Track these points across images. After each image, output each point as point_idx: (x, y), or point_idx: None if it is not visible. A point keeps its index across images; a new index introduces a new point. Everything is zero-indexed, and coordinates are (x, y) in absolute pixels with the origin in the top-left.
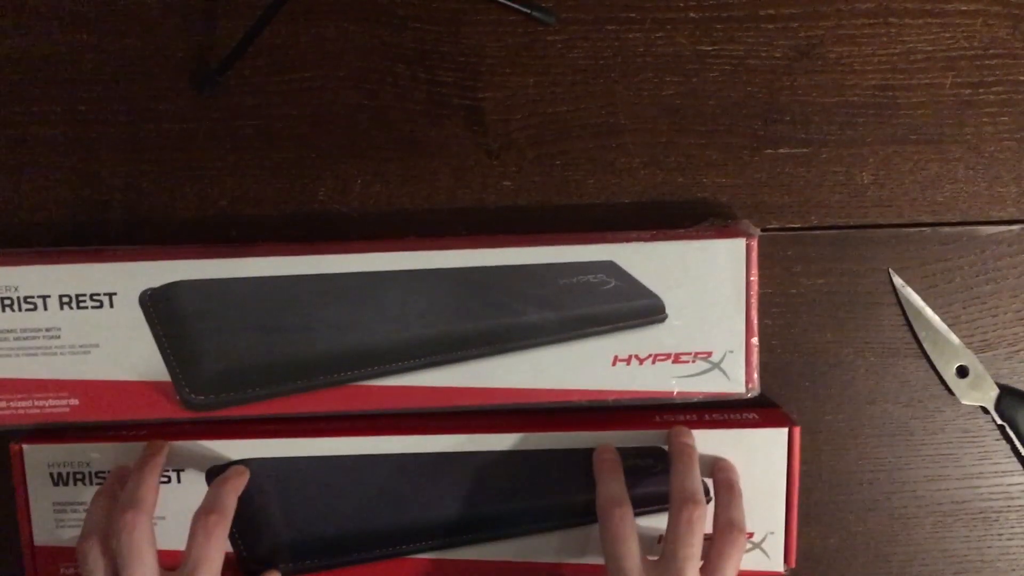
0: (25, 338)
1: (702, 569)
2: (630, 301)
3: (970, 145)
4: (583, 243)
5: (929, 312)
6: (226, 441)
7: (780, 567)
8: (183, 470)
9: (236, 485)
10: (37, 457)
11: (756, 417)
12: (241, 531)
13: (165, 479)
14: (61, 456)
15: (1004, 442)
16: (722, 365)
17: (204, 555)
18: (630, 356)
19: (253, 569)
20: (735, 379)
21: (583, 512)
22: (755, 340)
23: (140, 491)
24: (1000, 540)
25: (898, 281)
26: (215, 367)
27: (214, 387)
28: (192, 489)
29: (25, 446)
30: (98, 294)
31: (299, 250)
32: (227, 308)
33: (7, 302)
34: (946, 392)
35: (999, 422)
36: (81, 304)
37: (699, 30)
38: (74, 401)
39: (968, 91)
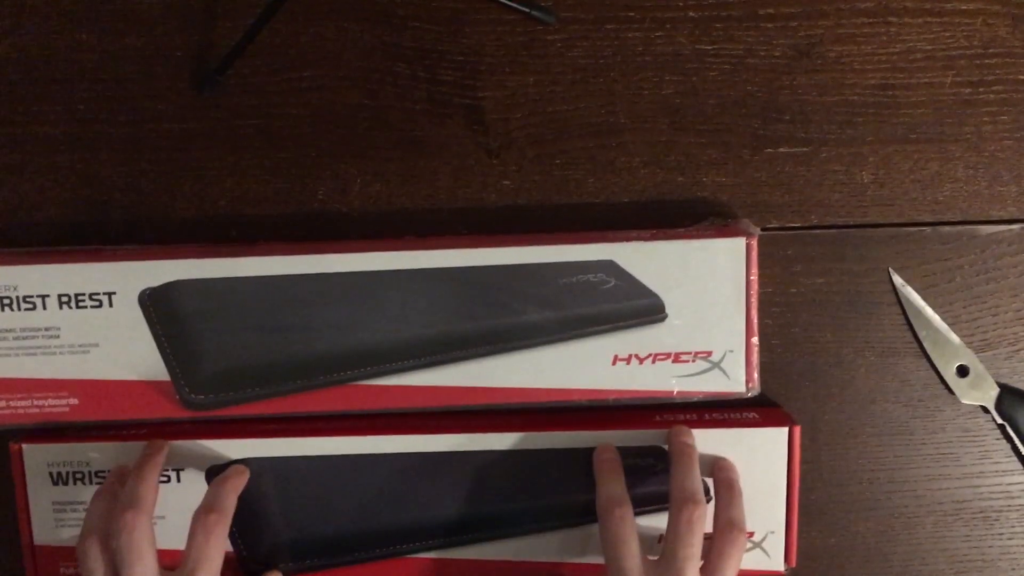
0: (24, 337)
1: (702, 569)
2: (630, 300)
3: (970, 144)
4: (583, 242)
5: (929, 311)
6: (226, 440)
7: (780, 566)
8: (183, 469)
9: (236, 484)
10: (37, 457)
11: (756, 416)
12: (241, 530)
13: (165, 478)
14: (61, 455)
15: (1004, 441)
16: (722, 364)
17: (204, 554)
18: (630, 355)
19: (253, 568)
20: (735, 378)
21: (583, 512)
22: (755, 339)
23: (140, 490)
24: (1000, 540)
25: (898, 280)
26: (214, 366)
27: (213, 386)
28: (192, 488)
29: (25, 445)
30: (97, 293)
31: (299, 250)
32: (227, 308)
33: (6, 301)
34: (946, 391)
35: (999, 421)
36: (80, 303)
37: (699, 29)
38: (73, 400)
39: (968, 90)
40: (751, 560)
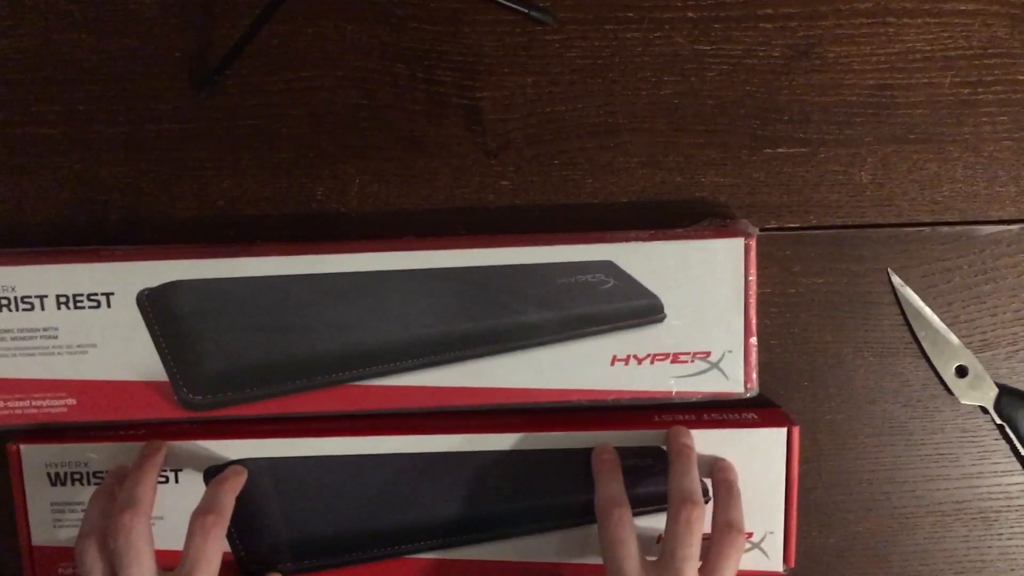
0: (23, 338)
1: (701, 569)
2: (629, 301)
3: (969, 145)
4: (582, 243)
5: (928, 312)
6: (224, 441)
7: (779, 567)
8: (181, 470)
9: (234, 485)
10: (35, 457)
11: (755, 417)
12: (239, 531)
13: (163, 479)
14: (59, 456)
15: (1003, 442)
16: (721, 365)
17: (202, 555)
18: (629, 356)
19: (251, 569)
20: (734, 379)
21: (582, 512)
22: (754, 340)
23: (138, 491)
24: (1000, 540)
25: (897, 281)
26: (213, 367)
27: (212, 387)
28: (190, 489)
29: (23, 446)
30: (96, 294)
31: (298, 250)
32: (225, 308)
33: (4, 302)
34: (945, 392)
35: (998, 422)
36: (79, 304)
37: (697, 30)
38: (72, 401)
39: (967, 91)
40: (750, 561)
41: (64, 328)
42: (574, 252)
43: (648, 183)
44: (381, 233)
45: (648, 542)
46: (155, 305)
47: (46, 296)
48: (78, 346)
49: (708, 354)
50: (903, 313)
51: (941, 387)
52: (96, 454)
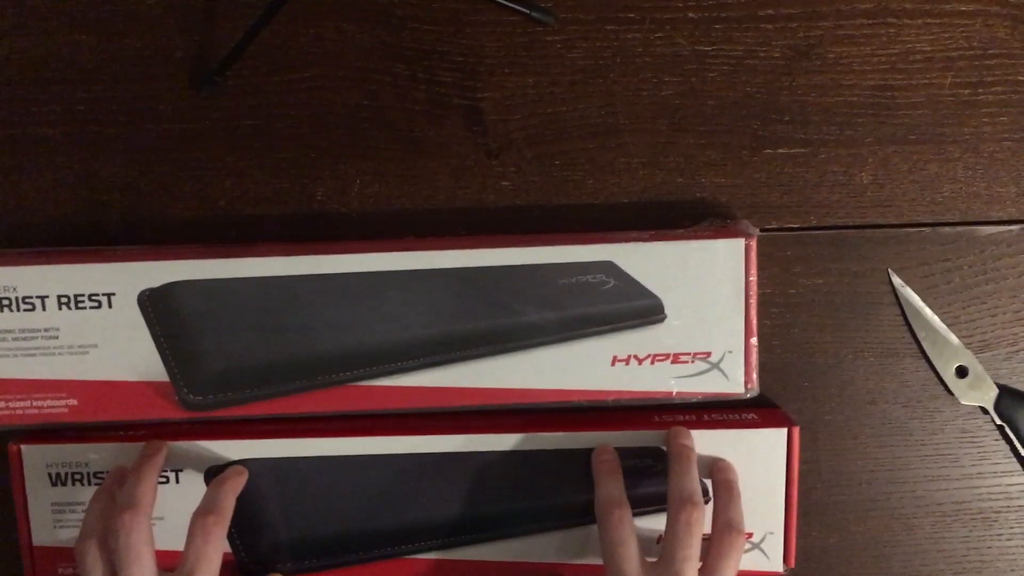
0: (23, 338)
1: (701, 570)
2: (629, 301)
3: (969, 145)
4: (582, 243)
5: (928, 312)
6: (225, 441)
7: (779, 567)
8: (181, 470)
9: (235, 485)
10: (35, 457)
11: (755, 417)
12: (240, 531)
13: (163, 479)
14: (59, 456)
15: (1003, 442)
16: (721, 365)
17: (202, 556)
18: (629, 356)
19: (252, 570)
20: (734, 379)
21: (582, 512)
22: (754, 340)
23: (138, 491)
24: (999, 540)
25: (897, 281)
26: (214, 367)
27: (213, 387)
28: (191, 489)
29: (23, 446)
30: (96, 294)
31: (298, 250)
32: (226, 308)
33: (5, 302)
34: (945, 392)
35: (998, 422)
36: (79, 304)
37: (698, 30)
38: (72, 401)
39: (967, 91)
40: (750, 561)
41: (65, 328)
42: (574, 252)
43: (649, 183)
44: (381, 233)
45: (648, 543)
46: (156, 305)
47: (47, 296)
48: (79, 346)
49: (708, 354)
50: (903, 313)
51: (941, 387)
52: (97, 454)
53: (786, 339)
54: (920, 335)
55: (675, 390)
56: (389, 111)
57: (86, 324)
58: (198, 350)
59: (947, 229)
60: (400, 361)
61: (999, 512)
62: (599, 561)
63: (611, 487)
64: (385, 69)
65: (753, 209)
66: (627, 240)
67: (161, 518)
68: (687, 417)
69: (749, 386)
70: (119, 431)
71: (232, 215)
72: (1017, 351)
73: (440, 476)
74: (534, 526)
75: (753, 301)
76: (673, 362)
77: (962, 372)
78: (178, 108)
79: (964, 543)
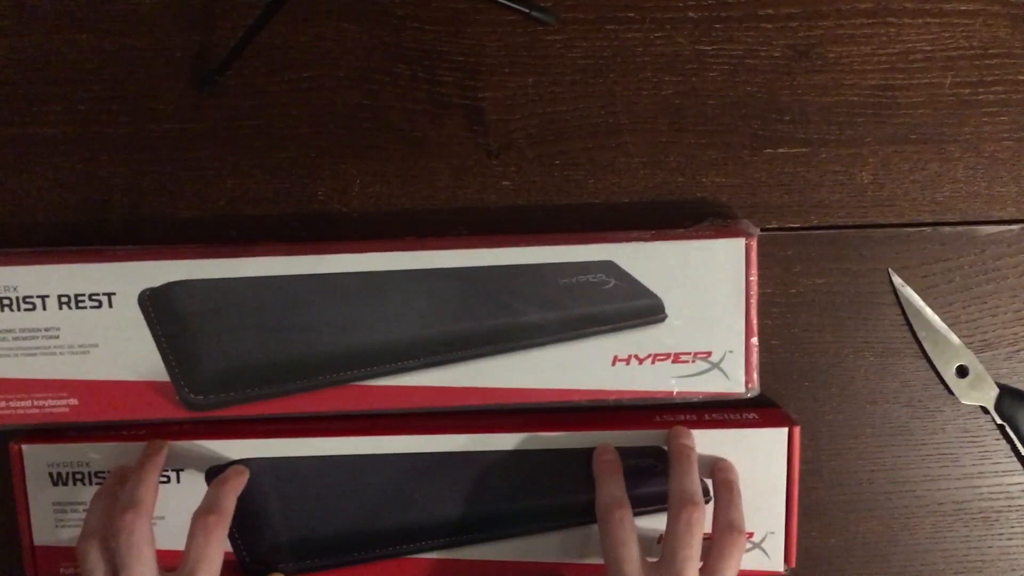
0: (24, 338)
1: (702, 570)
2: (630, 301)
3: (970, 145)
4: (583, 243)
5: (929, 312)
6: (226, 441)
7: (780, 567)
8: (183, 470)
9: (235, 485)
10: (37, 457)
11: (756, 417)
12: (241, 531)
13: (164, 479)
14: (61, 456)
15: (1004, 442)
16: (722, 365)
17: (203, 555)
18: (630, 356)
19: (253, 569)
20: (735, 379)
21: (583, 512)
22: (755, 340)
23: (139, 491)
24: (1000, 540)
25: (898, 281)
26: (214, 367)
27: (213, 387)
28: (191, 489)
29: (25, 446)
30: (97, 294)
31: (299, 250)
32: (227, 308)
33: (6, 302)
34: (946, 392)
35: (999, 422)
36: (80, 304)
37: (698, 30)
38: (73, 401)
39: (967, 91)
40: (751, 561)
41: (66, 328)
42: (575, 252)
43: (649, 183)
44: (382, 233)
45: (649, 543)
46: (157, 305)
47: (48, 296)
48: (80, 346)
49: (709, 354)
50: (904, 313)
51: (942, 387)
52: (98, 454)
53: (787, 339)
54: (921, 335)
55: (676, 390)
56: (390, 111)
57: (87, 324)
58: (199, 350)
59: (947, 229)
60: (401, 361)
61: (1000, 512)
62: (600, 561)
63: (612, 487)
64: (386, 69)
65: (753, 209)
66: (628, 240)
67: (162, 518)
68: (688, 417)
69: (750, 386)
70: (120, 431)
71: (233, 215)
72: (1018, 351)
73: (441, 476)
74: (535, 526)
75: (754, 301)
76: (674, 362)
77: (963, 372)
78: (178, 108)
79: (965, 543)
